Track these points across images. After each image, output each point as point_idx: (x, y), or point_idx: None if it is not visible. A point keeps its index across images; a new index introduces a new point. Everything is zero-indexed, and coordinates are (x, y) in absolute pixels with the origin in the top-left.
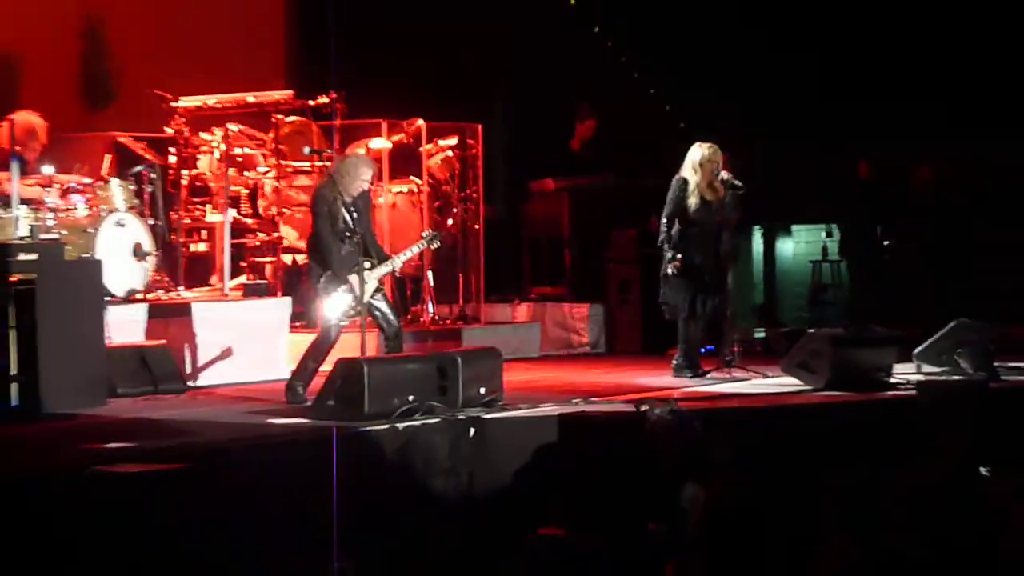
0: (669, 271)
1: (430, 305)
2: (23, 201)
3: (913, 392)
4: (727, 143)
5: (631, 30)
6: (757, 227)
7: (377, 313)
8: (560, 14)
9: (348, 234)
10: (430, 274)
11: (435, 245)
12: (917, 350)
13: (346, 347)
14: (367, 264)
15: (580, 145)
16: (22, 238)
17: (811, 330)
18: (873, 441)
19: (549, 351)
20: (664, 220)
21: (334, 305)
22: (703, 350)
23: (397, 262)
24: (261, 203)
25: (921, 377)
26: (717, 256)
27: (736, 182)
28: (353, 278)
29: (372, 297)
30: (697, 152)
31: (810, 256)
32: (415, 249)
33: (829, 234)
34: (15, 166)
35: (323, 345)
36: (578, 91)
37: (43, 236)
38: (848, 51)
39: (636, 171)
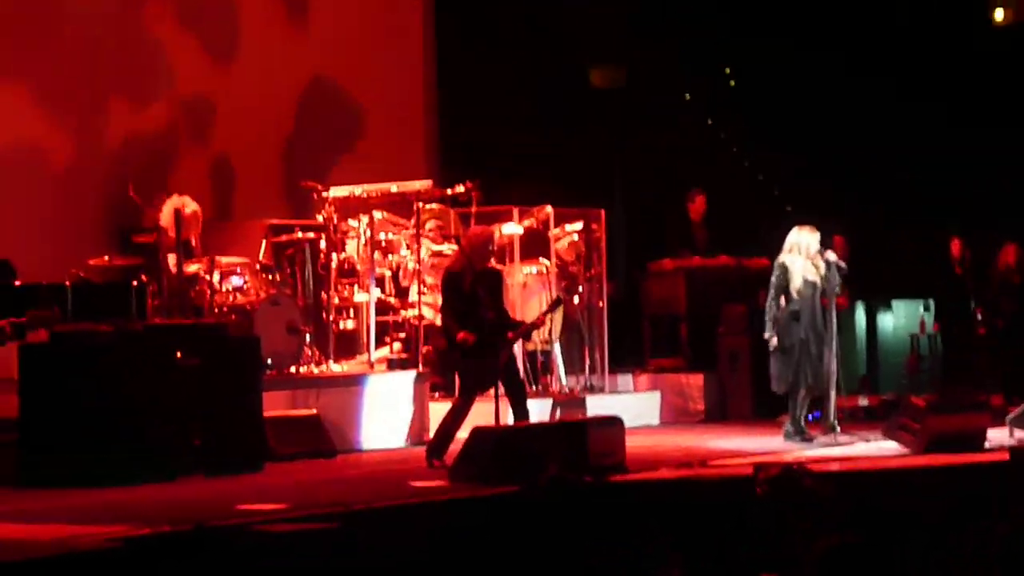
0: (771, 347)
1: (559, 376)
2: (187, 281)
3: (1006, 456)
4: (833, 225)
5: (742, 121)
6: (860, 302)
7: (507, 383)
8: (677, 107)
9: (477, 307)
10: (558, 347)
11: (557, 310)
12: (1010, 416)
13: (481, 415)
14: (500, 335)
15: (695, 220)
16: (190, 318)
17: (910, 397)
18: (967, 502)
19: (668, 418)
20: (769, 301)
21: (468, 375)
22: (810, 417)
23: (527, 331)
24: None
25: (1013, 442)
26: (822, 331)
27: (840, 263)
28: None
29: (504, 368)
30: (796, 235)
31: (909, 329)
32: (541, 315)
33: (926, 308)
34: (181, 251)
35: (459, 413)
36: (693, 178)
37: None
38: (942, 142)
39: (746, 251)
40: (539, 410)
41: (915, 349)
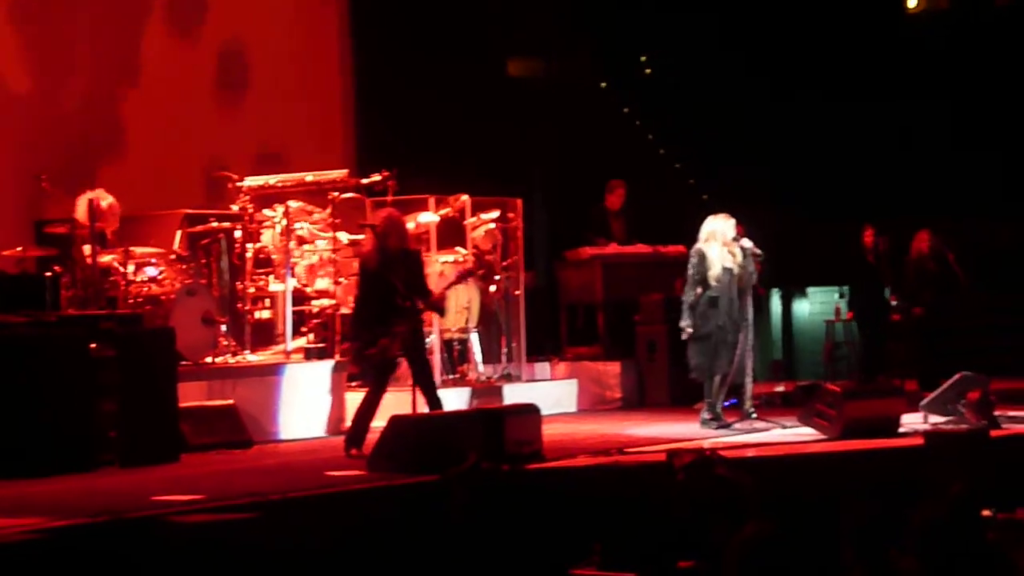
0: (683, 337)
1: (476, 364)
2: (103, 273)
3: (920, 440)
4: (747, 213)
5: (658, 110)
6: (775, 289)
7: (414, 372)
8: (594, 96)
9: (391, 292)
10: (475, 335)
11: (464, 281)
12: (924, 401)
13: (399, 404)
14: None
15: (613, 210)
16: (105, 308)
17: (826, 383)
18: (883, 486)
19: (585, 406)
20: (687, 289)
21: (374, 363)
22: (727, 403)
23: (434, 305)
24: (322, 273)
25: (927, 426)
26: (738, 318)
27: (756, 250)
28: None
29: (410, 353)
30: (712, 223)
31: (824, 316)
32: (443, 289)
33: (842, 295)
34: (96, 241)
35: (371, 401)
36: (610, 167)
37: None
38: (857, 129)
39: (663, 240)
40: (456, 398)
41: (830, 336)
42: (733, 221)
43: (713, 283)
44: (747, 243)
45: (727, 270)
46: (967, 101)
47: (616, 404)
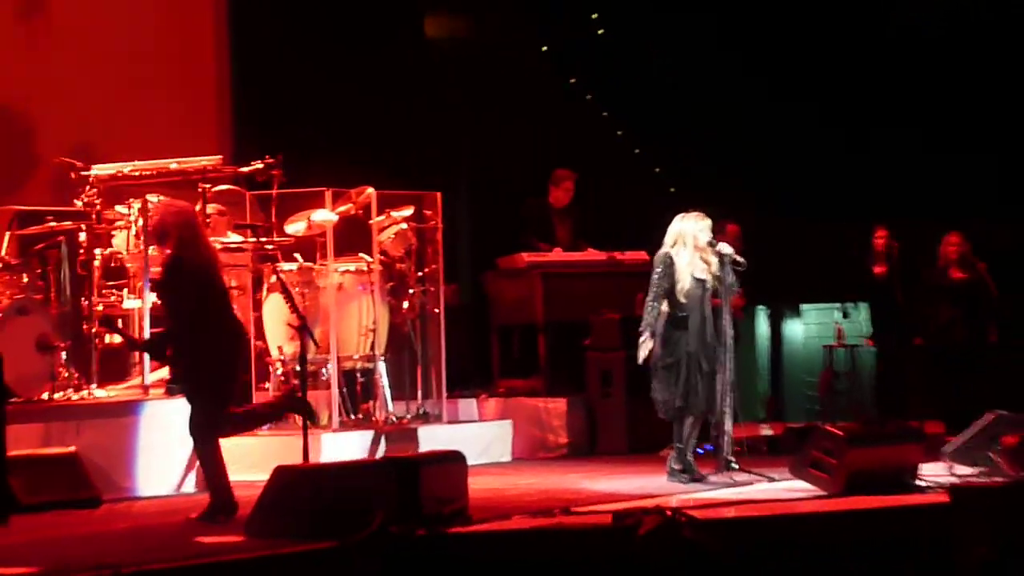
0: (639, 359)
1: (385, 402)
2: None
3: (944, 497)
4: (726, 210)
5: (615, 81)
6: (762, 307)
7: None
8: (532, 63)
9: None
10: (383, 366)
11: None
12: (948, 448)
13: (288, 451)
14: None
15: (558, 207)
16: None
17: (824, 426)
18: (897, 553)
19: (522, 454)
20: (648, 303)
21: None
22: (700, 450)
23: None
24: None
25: (953, 479)
26: (714, 342)
27: (736, 257)
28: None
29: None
30: (681, 223)
31: (822, 340)
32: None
33: (846, 315)
34: None
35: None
36: (554, 153)
37: None
38: (861, 100)
39: (619, 245)
40: (359, 444)
41: (830, 364)
42: (708, 222)
43: (682, 298)
44: (726, 249)
45: (699, 282)
46: (965, 101)
47: (561, 451)
